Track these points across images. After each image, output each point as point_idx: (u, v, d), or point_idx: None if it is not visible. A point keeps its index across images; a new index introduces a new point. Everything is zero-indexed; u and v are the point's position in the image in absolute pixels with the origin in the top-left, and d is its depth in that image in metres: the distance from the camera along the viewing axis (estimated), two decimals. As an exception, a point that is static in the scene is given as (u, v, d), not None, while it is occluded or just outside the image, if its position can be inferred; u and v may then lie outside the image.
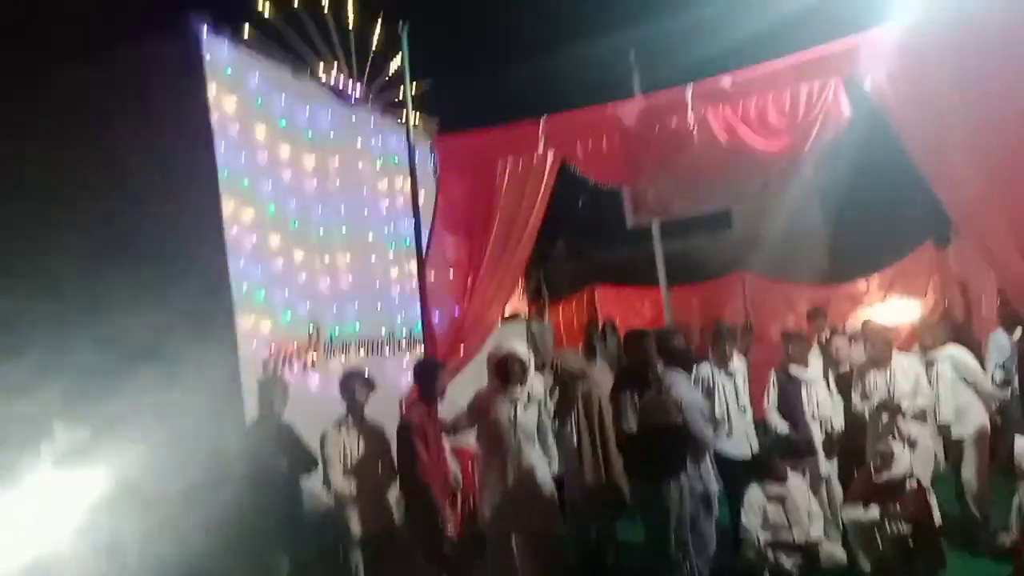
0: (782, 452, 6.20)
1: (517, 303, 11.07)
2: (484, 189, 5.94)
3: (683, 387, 5.32)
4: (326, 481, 5.49)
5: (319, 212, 7.21)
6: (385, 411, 5.86)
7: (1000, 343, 6.89)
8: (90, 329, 5.61)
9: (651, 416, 5.24)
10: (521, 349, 5.59)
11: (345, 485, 5.47)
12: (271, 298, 6.48)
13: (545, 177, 5.62)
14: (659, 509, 5.14)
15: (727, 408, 6.45)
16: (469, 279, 6.14)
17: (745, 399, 6.59)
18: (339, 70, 8.64)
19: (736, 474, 6.29)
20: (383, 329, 7.71)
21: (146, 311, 5.54)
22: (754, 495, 5.97)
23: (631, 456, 5.35)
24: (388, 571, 5.48)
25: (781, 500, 5.97)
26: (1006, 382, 5.72)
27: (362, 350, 7.33)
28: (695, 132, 4.98)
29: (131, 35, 6.16)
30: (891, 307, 11.55)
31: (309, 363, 6.74)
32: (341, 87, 7.93)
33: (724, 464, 6.34)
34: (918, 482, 5.96)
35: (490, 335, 6.40)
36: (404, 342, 7.80)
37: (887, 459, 5.91)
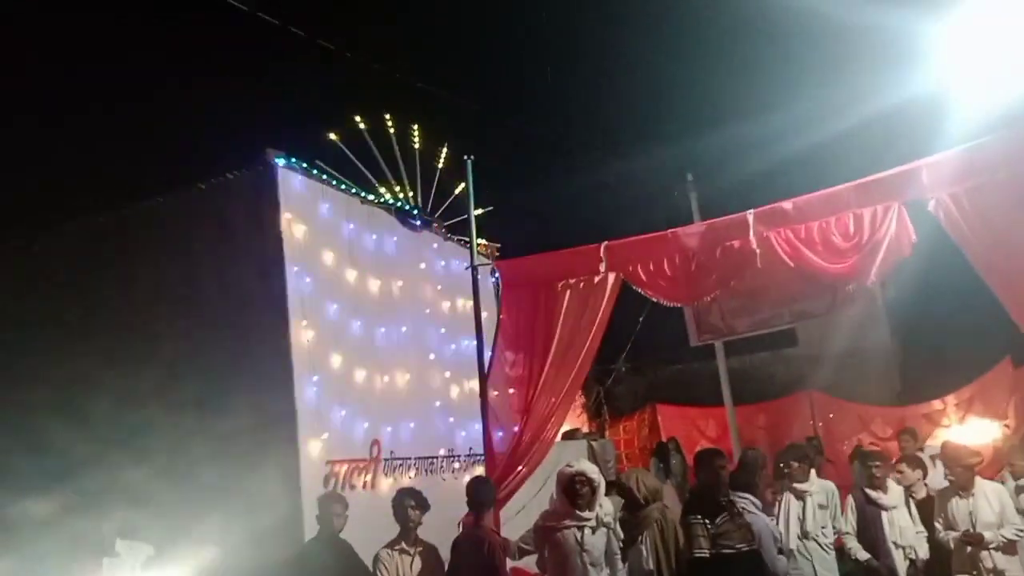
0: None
1: (577, 420, 10.95)
2: (545, 310, 6.02)
3: (755, 511, 5.14)
4: None
5: (382, 333, 7.38)
6: (442, 533, 5.76)
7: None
8: (165, 432, 5.79)
9: (724, 541, 5.07)
10: (591, 469, 5.50)
11: None
12: (333, 416, 6.56)
13: (606, 297, 5.68)
14: None
15: (788, 532, 6.16)
16: (529, 398, 6.14)
17: (813, 527, 6.23)
18: (404, 196, 9.00)
19: None
20: (441, 449, 7.69)
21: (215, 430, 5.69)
22: None
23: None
24: None
25: None
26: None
27: (416, 469, 7.30)
28: (758, 253, 5.01)
29: (215, 170, 6.63)
30: (970, 428, 11.07)
31: (367, 482, 6.73)
32: (407, 212, 8.22)
33: None
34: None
35: (549, 453, 6.33)
36: (462, 462, 7.75)
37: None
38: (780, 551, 5.34)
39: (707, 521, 5.10)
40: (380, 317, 7.40)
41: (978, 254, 4.50)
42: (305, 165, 6.94)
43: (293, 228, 6.57)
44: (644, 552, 5.97)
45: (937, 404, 12.10)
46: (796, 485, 6.20)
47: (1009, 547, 5.93)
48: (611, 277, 5.64)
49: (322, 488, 6.07)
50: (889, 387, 14.59)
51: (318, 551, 5.29)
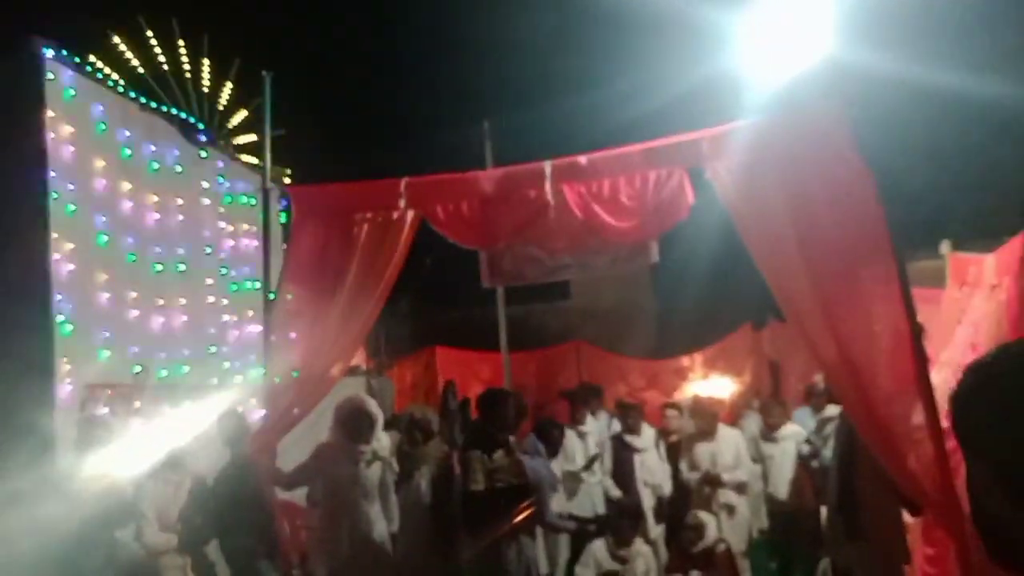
0: (619, 515, 6.46)
1: (357, 358, 10.89)
2: (339, 243, 5.84)
3: (534, 451, 5.45)
4: (139, 537, 5.14)
5: (156, 254, 6.87)
6: (213, 464, 5.57)
7: (805, 420, 7.57)
8: None
9: (499, 475, 5.31)
10: (370, 403, 5.52)
11: (162, 541, 5.13)
12: (95, 335, 6.06)
13: (404, 235, 5.62)
14: (495, 569, 5.17)
15: (577, 468, 6.70)
16: (315, 334, 5.99)
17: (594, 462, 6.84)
18: (189, 107, 8.36)
19: (580, 533, 6.48)
20: (215, 377, 7.36)
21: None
22: (595, 550, 6.14)
23: (474, 515, 5.35)
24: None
25: (623, 562, 6.19)
26: (813, 455, 6.26)
27: (191, 397, 6.94)
28: (552, 205, 5.20)
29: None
30: (712, 383, 12.38)
31: (131, 408, 6.31)
32: (191, 124, 7.66)
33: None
34: (728, 548, 6.37)
35: (331, 390, 6.25)
36: (238, 392, 7.46)
37: (699, 531, 6.29)
38: (554, 489, 5.70)
39: (485, 456, 5.31)
40: (155, 238, 6.88)
41: (743, 224, 4.92)
42: (78, 60, 6.22)
43: (58, 129, 5.90)
44: (422, 487, 6.14)
45: (686, 360, 13.41)
46: (578, 426, 6.77)
47: (741, 487, 6.78)
48: (410, 214, 5.59)
49: (80, 412, 5.61)
50: (647, 342, 15.86)
51: (72, 481, 4.93)
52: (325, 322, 5.73)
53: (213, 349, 7.42)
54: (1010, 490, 1.05)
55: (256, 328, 6.63)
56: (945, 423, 3.98)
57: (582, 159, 5.34)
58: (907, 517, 4.75)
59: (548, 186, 5.26)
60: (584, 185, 5.29)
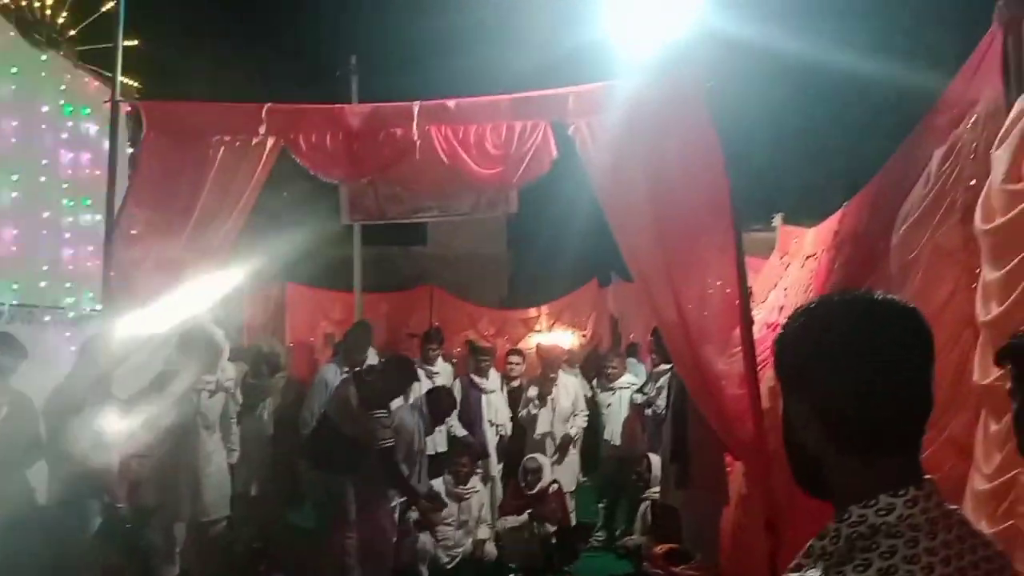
0: (461, 453, 6.68)
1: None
2: (193, 166, 5.58)
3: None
4: None
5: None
6: (41, 385, 5.28)
7: (640, 372, 8.08)
8: None
9: (389, 436, 5.40)
10: (216, 332, 5.39)
11: None
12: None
13: (263, 162, 5.46)
14: (330, 499, 5.26)
15: None
16: (161, 259, 5.74)
17: None
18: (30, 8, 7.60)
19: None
20: (48, 297, 6.89)
21: None
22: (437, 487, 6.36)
23: (313, 447, 5.40)
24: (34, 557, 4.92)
25: (459, 499, 6.43)
26: (647, 404, 6.70)
27: (13, 319, 6.48)
28: (418, 145, 5.21)
29: None
30: (556, 334, 12.87)
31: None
32: (31, 22, 7.00)
33: None
34: (559, 487, 6.77)
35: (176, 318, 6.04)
36: (74, 314, 7.03)
37: (537, 473, 6.62)
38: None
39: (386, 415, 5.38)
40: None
41: (599, 182, 5.12)
42: None
43: None
44: (264, 418, 6.11)
45: (533, 312, 13.86)
46: (427, 366, 6.92)
47: (574, 432, 7.23)
48: (270, 141, 5.43)
49: None
50: (498, 292, 16.19)
51: None
52: (172, 248, 5.52)
53: (47, 270, 6.93)
54: (825, 426, 1.18)
55: (96, 258, 6.25)
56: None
57: (450, 103, 5.37)
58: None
59: (415, 127, 5.27)
60: (451, 129, 5.33)
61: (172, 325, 5.60)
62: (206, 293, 5.59)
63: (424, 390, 6.43)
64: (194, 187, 5.53)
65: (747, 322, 4.53)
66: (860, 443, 1.17)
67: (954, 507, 1.20)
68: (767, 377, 4.36)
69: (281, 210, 10.25)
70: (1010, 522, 2.53)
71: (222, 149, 5.45)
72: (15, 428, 4.91)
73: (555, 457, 7.05)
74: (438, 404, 5.93)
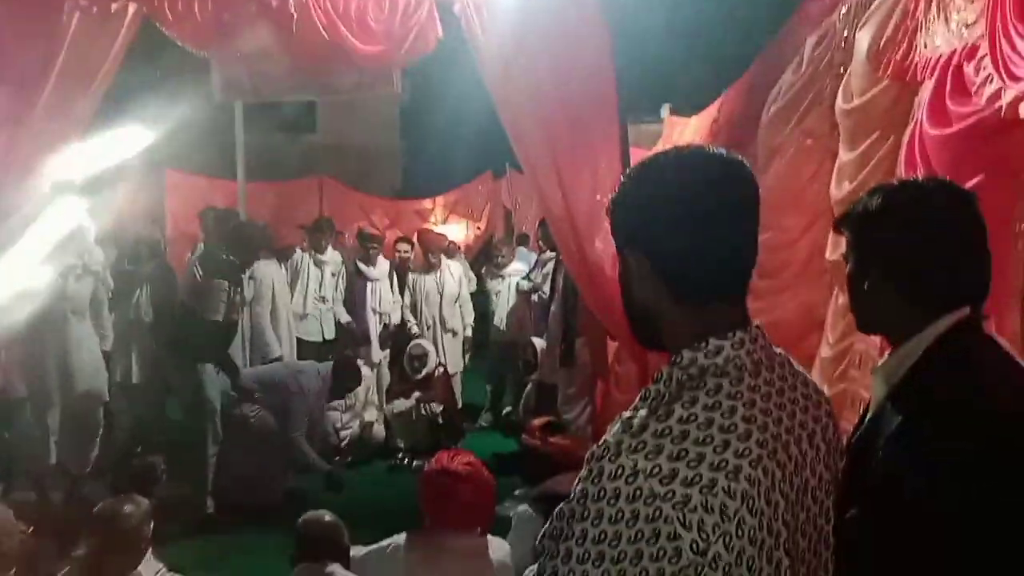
0: (345, 340, 6.70)
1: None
2: (43, 33, 5.12)
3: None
4: None
5: None
6: None
7: (528, 260, 8.21)
8: None
9: (235, 311, 5.29)
10: (83, 216, 5.11)
11: None
12: None
13: (122, 34, 5.06)
14: (194, 388, 5.20)
15: (305, 295, 6.81)
16: (12, 135, 5.32)
17: (329, 291, 6.97)
18: None
19: (308, 354, 6.76)
20: None
21: None
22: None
23: (173, 334, 5.29)
24: None
25: None
26: (533, 290, 6.86)
27: None
28: (295, 18, 4.93)
29: None
30: (450, 226, 12.84)
31: None
32: None
33: (300, 346, 6.87)
34: (445, 370, 6.93)
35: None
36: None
37: (423, 359, 6.72)
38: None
39: (232, 287, 5.21)
40: None
41: (486, 67, 4.98)
42: None
43: None
44: (142, 306, 5.90)
45: (428, 203, 13.72)
46: (317, 255, 6.84)
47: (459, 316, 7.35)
48: (131, 8, 5.03)
49: None
50: (391, 182, 15.92)
51: None
52: (22, 126, 5.11)
53: None
54: (661, 279, 1.22)
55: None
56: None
57: (328, -27, 5.08)
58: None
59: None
60: (330, 2, 5.05)
61: (32, 205, 5.28)
62: (68, 174, 5.26)
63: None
64: (46, 57, 5.09)
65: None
66: (694, 293, 1.22)
67: (779, 350, 1.27)
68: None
69: (155, 89, 9.61)
70: (843, 385, 2.74)
71: (77, 15, 5.00)
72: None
73: (439, 342, 7.17)
74: (342, 378, 5.90)
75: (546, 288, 6.47)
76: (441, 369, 6.85)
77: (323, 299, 6.98)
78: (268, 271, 6.57)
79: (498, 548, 3.18)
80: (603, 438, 1.17)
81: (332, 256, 7.15)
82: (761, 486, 1.09)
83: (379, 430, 6.74)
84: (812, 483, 1.21)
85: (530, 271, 7.14)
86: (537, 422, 5.16)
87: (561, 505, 1.17)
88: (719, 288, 1.24)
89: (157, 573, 3.62)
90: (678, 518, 1.05)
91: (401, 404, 6.65)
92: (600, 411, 5.24)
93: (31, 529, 3.09)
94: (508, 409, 7.52)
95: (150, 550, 3.17)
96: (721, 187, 1.22)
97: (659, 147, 7.17)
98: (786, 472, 1.15)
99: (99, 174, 5.91)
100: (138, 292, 5.97)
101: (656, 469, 1.08)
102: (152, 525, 3.10)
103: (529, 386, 6.89)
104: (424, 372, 6.72)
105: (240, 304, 5.44)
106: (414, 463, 6.18)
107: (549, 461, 4.75)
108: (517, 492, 4.62)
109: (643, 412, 1.16)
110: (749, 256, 1.26)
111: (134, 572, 3.16)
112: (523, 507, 3.72)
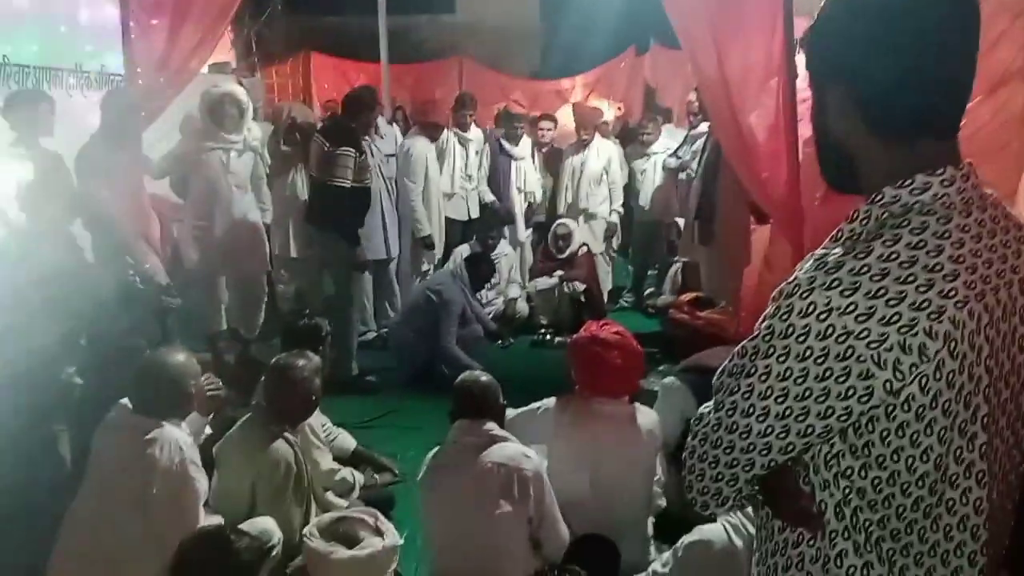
0: (489, 219, 6.76)
1: (228, 55, 10.23)
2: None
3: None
4: None
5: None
6: (72, 147, 5.29)
7: (675, 136, 7.87)
8: None
9: (364, 175, 5.37)
10: (240, 91, 5.31)
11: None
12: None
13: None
14: (348, 261, 5.38)
15: (453, 174, 6.85)
16: (173, 19, 5.53)
17: (474, 170, 6.98)
18: None
19: (454, 232, 6.87)
20: (71, 60, 6.75)
21: None
22: (463, 249, 6.51)
23: (337, 210, 5.42)
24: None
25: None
26: (681, 168, 6.59)
27: (38, 80, 6.40)
28: None
29: None
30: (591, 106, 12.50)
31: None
32: None
33: (448, 224, 6.89)
34: (588, 250, 6.88)
35: (194, 81, 5.92)
36: (94, 77, 6.91)
37: (567, 239, 6.71)
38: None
39: (357, 153, 5.29)
40: None
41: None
42: None
43: None
44: (299, 183, 6.14)
45: (567, 83, 13.39)
46: (461, 132, 6.85)
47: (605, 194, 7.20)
48: None
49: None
50: (530, 63, 15.60)
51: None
52: (184, 7, 5.29)
53: (65, 30, 6.73)
54: (865, 113, 1.12)
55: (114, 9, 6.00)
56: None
57: None
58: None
59: None
60: None
61: (195, 87, 5.52)
62: (226, 61, 5.42)
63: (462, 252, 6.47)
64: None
65: (791, 75, 4.31)
66: (900, 128, 1.13)
67: (991, 190, 1.17)
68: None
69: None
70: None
71: None
72: (51, 186, 4.95)
73: (581, 220, 7.09)
74: (477, 271, 5.91)
75: (695, 165, 6.22)
76: (584, 248, 6.82)
77: (469, 177, 6.98)
78: (420, 147, 6.50)
79: (646, 415, 3.21)
80: (793, 275, 1.12)
81: (476, 134, 7.12)
82: (966, 328, 1.04)
83: (523, 306, 6.85)
84: (1021, 331, 1.13)
85: (678, 148, 6.86)
86: (685, 297, 5.11)
87: (744, 342, 1.15)
88: (929, 123, 1.12)
89: (324, 426, 3.91)
90: (872, 357, 1.03)
91: (544, 282, 6.72)
92: (750, 296, 5.07)
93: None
94: (651, 290, 7.45)
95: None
96: (935, 13, 1.09)
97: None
98: (993, 317, 1.08)
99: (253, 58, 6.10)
100: (293, 171, 6.19)
101: (851, 307, 1.04)
102: (320, 380, 3.29)
103: (674, 268, 6.78)
104: (568, 251, 6.73)
105: (367, 170, 5.45)
106: (556, 339, 6.27)
107: (696, 335, 4.72)
108: (661, 368, 4.61)
109: (838, 251, 1.10)
110: (966, 85, 1.14)
111: (304, 422, 3.42)
112: (670, 378, 3.72)
